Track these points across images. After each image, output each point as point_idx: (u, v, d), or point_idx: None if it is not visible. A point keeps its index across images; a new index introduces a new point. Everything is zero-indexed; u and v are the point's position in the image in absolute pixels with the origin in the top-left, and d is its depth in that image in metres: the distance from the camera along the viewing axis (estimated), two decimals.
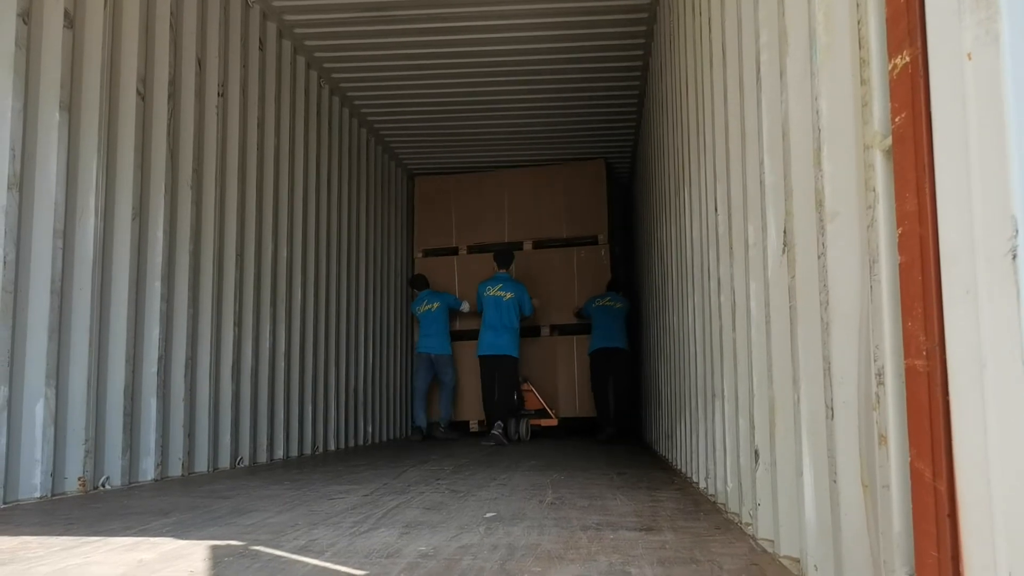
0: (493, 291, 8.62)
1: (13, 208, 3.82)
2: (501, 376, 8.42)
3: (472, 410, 9.92)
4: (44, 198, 4.03)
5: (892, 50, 1.31)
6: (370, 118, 8.84)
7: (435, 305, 9.39)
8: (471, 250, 10.26)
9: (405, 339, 10.49)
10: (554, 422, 9.50)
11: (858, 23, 1.53)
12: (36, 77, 4.06)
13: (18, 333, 3.88)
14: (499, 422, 8.14)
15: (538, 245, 10.15)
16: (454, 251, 10.35)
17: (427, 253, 10.46)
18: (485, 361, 8.57)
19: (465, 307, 9.56)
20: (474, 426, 9.92)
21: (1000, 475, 1.00)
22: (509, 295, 8.59)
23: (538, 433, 9.52)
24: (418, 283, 9.80)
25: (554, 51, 7.39)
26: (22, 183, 3.91)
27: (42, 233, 4.02)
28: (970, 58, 1.02)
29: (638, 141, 9.16)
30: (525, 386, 9.50)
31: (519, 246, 10.05)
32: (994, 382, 1.00)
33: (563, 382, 9.91)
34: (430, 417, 9.63)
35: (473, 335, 9.45)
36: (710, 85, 3.47)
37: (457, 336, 9.85)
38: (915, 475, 1.23)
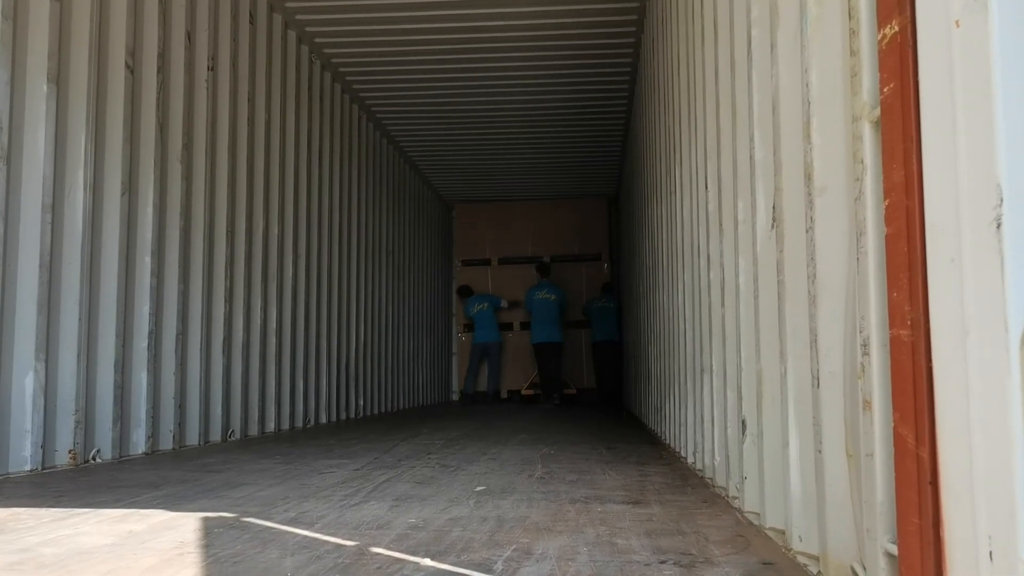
0: (541, 295, 11.58)
1: (1, 182, 3.79)
2: (553, 358, 11.44)
3: (504, 382, 12.86)
4: (32, 172, 4.00)
5: (882, 20, 1.30)
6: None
7: (485, 305, 12.23)
8: (501, 261, 13.27)
9: (398, 316, 10.54)
10: (573, 392, 12.63)
11: None
12: (23, 49, 4.01)
13: (7, 307, 3.86)
14: (549, 396, 11.25)
15: (554, 259, 13.04)
16: (487, 262, 13.30)
17: (465, 263, 13.42)
18: (541, 347, 11.51)
19: (505, 303, 12.33)
20: (504, 394, 12.91)
21: (981, 441, 1.01)
22: (553, 297, 11.60)
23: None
24: (465, 291, 12.63)
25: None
26: (10, 156, 3.88)
27: (31, 207, 3.99)
28: (958, 25, 1.02)
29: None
30: None
31: (539, 259, 12.72)
32: (977, 350, 1.01)
33: (574, 364, 12.78)
34: (477, 387, 12.46)
35: (508, 327, 12.77)
36: (702, 64, 3.46)
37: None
38: (898, 441, 1.24)
